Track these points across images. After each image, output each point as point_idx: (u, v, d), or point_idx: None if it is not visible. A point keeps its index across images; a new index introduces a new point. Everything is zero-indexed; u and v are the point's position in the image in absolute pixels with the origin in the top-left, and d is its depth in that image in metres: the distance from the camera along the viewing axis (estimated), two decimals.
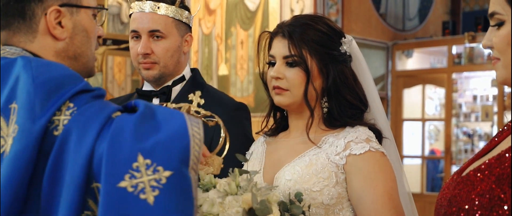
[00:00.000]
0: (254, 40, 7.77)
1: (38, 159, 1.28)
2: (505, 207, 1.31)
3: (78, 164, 1.25)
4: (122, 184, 1.20)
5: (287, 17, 7.40)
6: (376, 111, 1.98)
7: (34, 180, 1.29)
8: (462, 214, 1.37)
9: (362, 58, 1.99)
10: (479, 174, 1.38)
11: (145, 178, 1.21)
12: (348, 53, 1.92)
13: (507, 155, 1.36)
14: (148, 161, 1.22)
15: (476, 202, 1.35)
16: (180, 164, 1.23)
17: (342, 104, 1.90)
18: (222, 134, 1.62)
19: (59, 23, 1.47)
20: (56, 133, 1.29)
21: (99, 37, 1.58)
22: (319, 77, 1.89)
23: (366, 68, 2.00)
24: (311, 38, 1.87)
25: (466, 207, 1.36)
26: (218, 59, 8.27)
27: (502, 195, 1.32)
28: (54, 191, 1.26)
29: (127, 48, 8.09)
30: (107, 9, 1.59)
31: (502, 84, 1.47)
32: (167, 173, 1.21)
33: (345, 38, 1.93)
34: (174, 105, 1.59)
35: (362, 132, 1.86)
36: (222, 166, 1.56)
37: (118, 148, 1.24)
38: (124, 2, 7.93)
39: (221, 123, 1.57)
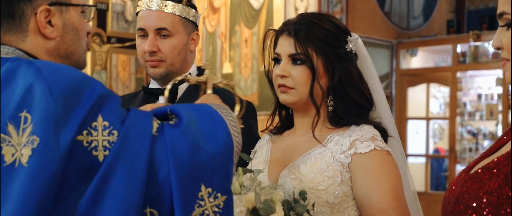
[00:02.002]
0: (258, 39, 7.77)
1: (68, 174, 1.28)
2: None
3: (135, 190, 1.28)
4: (194, 213, 1.31)
5: (291, 15, 7.39)
6: (382, 110, 1.98)
7: (64, 195, 1.28)
8: (469, 212, 1.37)
9: (368, 56, 1.98)
10: (487, 172, 1.38)
11: (208, 205, 1.33)
12: (354, 52, 1.92)
13: None
14: (210, 190, 1.34)
15: (484, 200, 1.34)
16: (230, 186, 1.37)
17: (347, 103, 1.89)
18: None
19: (49, 22, 1.47)
20: (95, 153, 1.29)
21: (88, 33, 1.58)
22: (325, 76, 1.89)
23: (372, 66, 1.99)
24: (316, 37, 1.87)
25: (474, 204, 1.36)
26: (222, 57, 8.27)
27: (510, 194, 1.32)
28: (95, 212, 1.27)
29: (131, 47, 8.12)
30: (95, 6, 1.58)
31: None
32: (224, 198, 1.35)
33: (351, 36, 1.92)
34: (196, 78, 1.67)
35: (367, 130, 1.85)
36: (241, 126, 1.61)
37: (184, 178, 1.32)
38: (129, 0, 7.93)
39: (234, 89, 1.69)
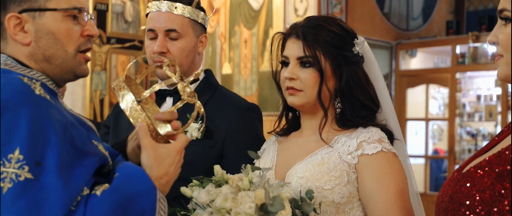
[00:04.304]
0: (257, 39, 7.77)
1: None
2: (505, 203, 1.34)
3: None
4: None
5: (291, 16, 7.40)
6: (388, 112, 2.00)
7: None
8: (463, 209, 1.40)
9: (373, 59, 2.00)
10: (479, 171, 1.41)
11: None
12: (360, 54, 1.93)
13: (507, 152, 1.39)
14: None
15: (477, 198, 1.37)
16: None
17: (354, 105, 1.91)
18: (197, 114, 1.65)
19: (23, 28, 1.49)
20: (2, 185, 1.29)
21: (90, 36, 1.56)
22: (332, 78, 1.90)
23: (377, 69, 2.01)
24: (324, 39, 1.88)
25: (467, 202, 1.39)
26: (221, 58, 8.27)
27: (503, 191, 1.35)
28: None
29: (131, 47, 8.09)
30: (79, 9, 1.55)
31: (502, 81, 1.50)
32: None
33: (357, 39, 1.94)
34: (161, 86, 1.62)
35: (374, 132, 1.87)
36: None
37: None
38: (128, 1, 7.93)
39: (198, 105, 1.63)
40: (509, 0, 1.43)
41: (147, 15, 2.32)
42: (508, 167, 1.36)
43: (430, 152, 8.55)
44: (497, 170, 1.37)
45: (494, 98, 8.41)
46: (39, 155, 1.32)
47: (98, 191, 1.38)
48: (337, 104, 1.92)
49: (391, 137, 1.92)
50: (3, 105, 1.34)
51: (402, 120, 8.23)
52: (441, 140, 8.82)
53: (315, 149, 1.89)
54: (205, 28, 2.35)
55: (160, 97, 2.33)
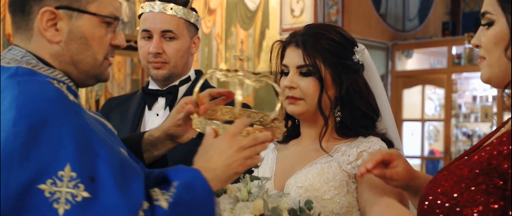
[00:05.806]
0: (254, 40, 7.76)
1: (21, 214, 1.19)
2: (458, 209, 1.36)
3: None
4: None
5: (287, 16, 7.39)
6: (388, 120, 1.99)
7: None
8: (430, 210, 1.42)
9: (373, 66, 1.99)
10: (446, 173, 1.44)
11: None
12: (360, 62, 1.92)
13: (474, 156, 1.40)
14: None
15: (438, 201, 1.40)
16: None
17: (354, 113, 1.89)
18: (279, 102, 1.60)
19: (56, 25, 1.39)
20: (56, 206, 1.19)
21: (116, 47, 1.48)
22: (333, 87, 1.89)
23: (377, 76, 2.00)
24: (324, 48, 1.87)
25: (432, 205, 1.41)
26: (218, 58, 8.26)
27: (456, 195, 1.37)
28: None
29: (127, 48, 8.05)
30: (119, 19, 1.47)
31: (485, 83, 1.54)
32: None
33: (357, 47, 1.93)
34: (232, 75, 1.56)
35: (375, 142, 1.86)
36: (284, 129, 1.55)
37: None
38: (125, 1, 7.91)
39: (273, 83, 1.55)
40: (492, 3, 1.45)
41: (140, 16, 2.32)
42: (466, 172, 1.38)
43: (426, 153, 8.57)
44: (459, 174, 1.39)
45: (490, 99, 8.42)
46: (91, 170, 1.22)
47: (162, 201, 1.28)
48: (337, 113, 1.91)
49: (391, 146, 1.91)
50: (42, 117, 1.23)
51: (398, 121, 8.23)
52: (437, 140, 8.83)
53: (314, 158, 1.88)
54: (198, 29, 2.36)
55: (152, 97, 2.35)
